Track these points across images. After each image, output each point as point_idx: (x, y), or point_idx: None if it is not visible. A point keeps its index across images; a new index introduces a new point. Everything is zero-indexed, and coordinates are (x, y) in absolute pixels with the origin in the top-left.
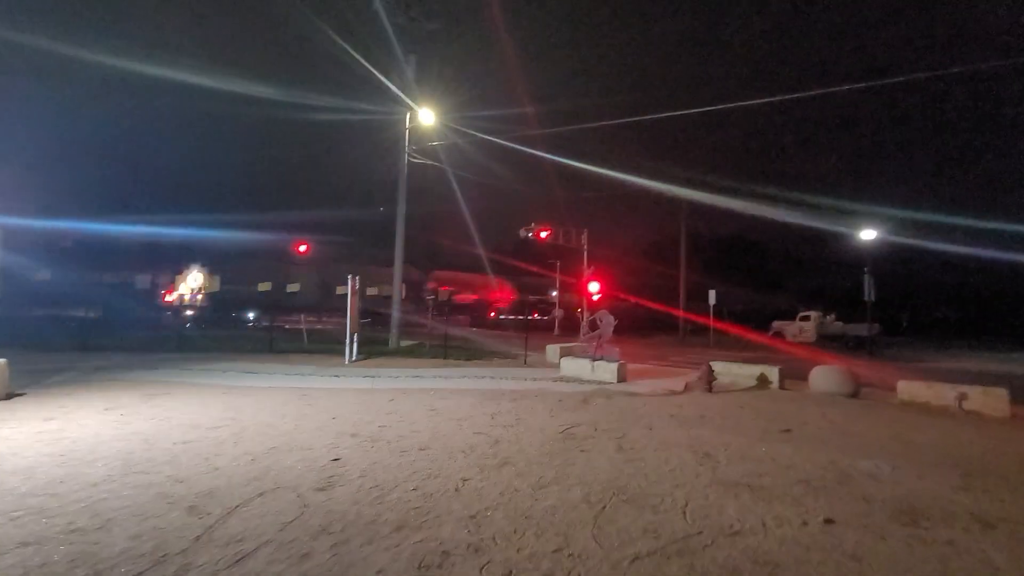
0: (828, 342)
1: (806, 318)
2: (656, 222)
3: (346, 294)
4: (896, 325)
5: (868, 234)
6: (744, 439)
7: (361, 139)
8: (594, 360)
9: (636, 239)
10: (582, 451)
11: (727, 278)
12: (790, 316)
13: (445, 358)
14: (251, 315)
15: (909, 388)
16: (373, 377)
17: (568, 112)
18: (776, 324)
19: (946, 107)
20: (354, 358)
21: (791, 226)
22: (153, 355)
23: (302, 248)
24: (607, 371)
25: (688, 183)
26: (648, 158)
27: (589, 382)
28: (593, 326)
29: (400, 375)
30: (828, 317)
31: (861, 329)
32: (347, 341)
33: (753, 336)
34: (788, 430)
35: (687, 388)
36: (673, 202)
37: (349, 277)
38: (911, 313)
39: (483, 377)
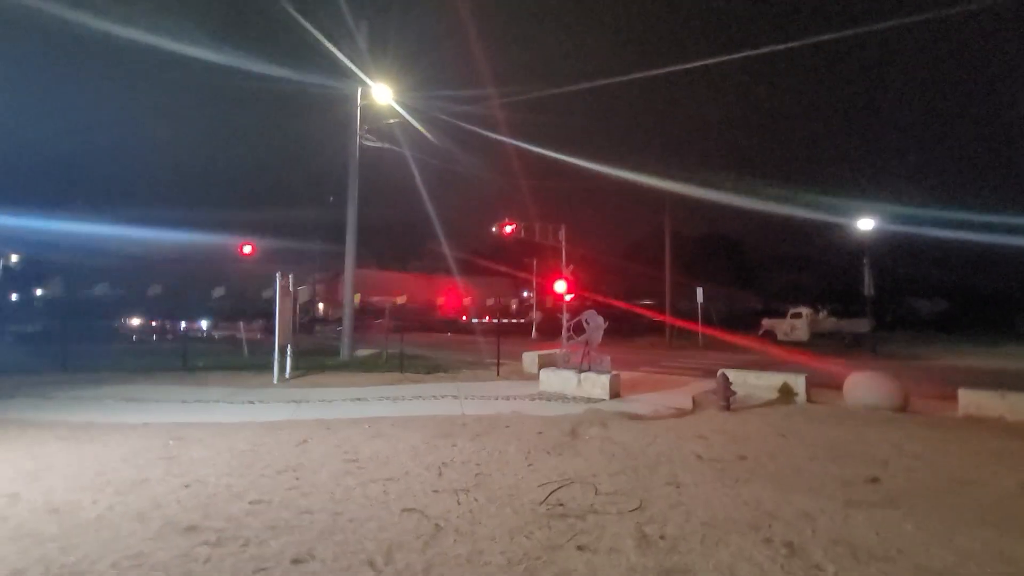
0: (822, 340)
1: (797, 315)
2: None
3: (291, 297)
4: (883, 320)
5: (866, 224)
6: (823, 502)
7: (308, 119)
8: (581, 371)
9: (617, 237)
10: (580, 548)
11: (709, 277)
12: (778, 314)
13: (402, 371)
14: (204, 324)
15: (975, 399)
16: (299, 403)
17: (543, 97)
18: (766, 322)
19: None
20: (287, 375)
21: (772, 221)
22: (30, 376)
23: (247, 249)
24: (597, 385)
25: (669, 177)
26: (628, 150)
27: (575, 400)
28: (578, 329)
29: (337, 398)
30: (820, 313)
31: (858, 325)
32: (275, 355)
33: (742, 336)
34: (875, 479)
35: (696, 405)
36: (655, 197)
37: (277, 276)
38: (893, 307)
39: (443, 397)
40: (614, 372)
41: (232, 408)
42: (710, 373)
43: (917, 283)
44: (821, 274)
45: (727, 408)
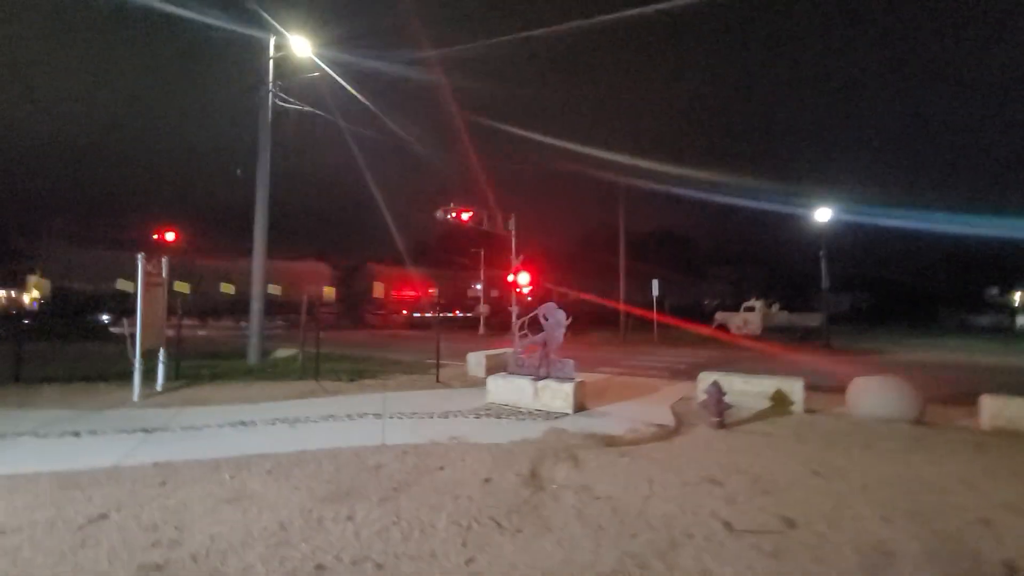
0: (774, 334)
1: (751, 309)
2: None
3: (163, 287)
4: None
5: (823, 214)
6: None
7: (213, 74)
8: (538, 379)
9: (568, 227)
10: None
11: (661, 270)
12: (730, 307)
13: (317, 378)
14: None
15: (1003, 408)
16: (150, 432)
17: (491, 66)
18: (720, 316)
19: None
20: (159, 387)
21: (722, 213)
22: None
23: (169, 236)
24: (558, 395)
25: (623, 158)
26: (580, 134)
27: (532, 415)
28: (535, 325)
29: (212, 423)
30: (772, 307)
31: (810, 319)
32: (136, 363)
33: (697, 329)
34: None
35: (679, 420)
36: (608, 187)
37: (139, 258)
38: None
39: (361, 416)
40: (579, 379)
41: (36, 446)
42: (678, 373)
43: (837, 276)
44: (770, 267)
45: (721, 425)
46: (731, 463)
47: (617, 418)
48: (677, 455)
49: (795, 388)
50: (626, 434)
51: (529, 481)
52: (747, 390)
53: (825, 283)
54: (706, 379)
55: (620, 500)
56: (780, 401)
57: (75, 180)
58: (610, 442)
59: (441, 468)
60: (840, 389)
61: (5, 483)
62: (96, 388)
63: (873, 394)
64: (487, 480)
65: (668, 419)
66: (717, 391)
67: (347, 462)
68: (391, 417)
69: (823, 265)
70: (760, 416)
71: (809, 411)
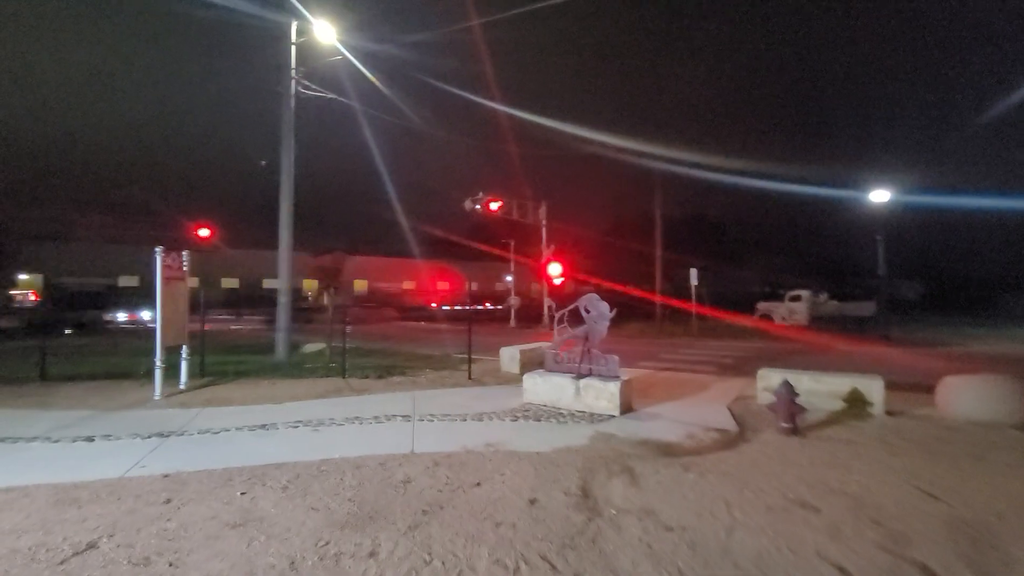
0: (824, 324)
1: (796, 298)
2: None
3: (183, 280)
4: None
5: (880, 195)
6: None
7: (236, 64)
8: (580, 377)
9: (600, 216)
10: None
11: (696, 258)
12: (773, 296)
13: (344, 375)
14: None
15: None
16: (165, 437)
17: (523, 56)
18: (762, 306)
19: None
20: (182, 386)
21: (761, 199)
22: None
23: (203, 232)
24: (603, 395)
25: (659, 145)
26: (615, 121)
27: (574, 416)
28: (575, 318)
29: (230, 425)
30: (821, 296)
31: (862, 309)
32: (157, 360)
33: (737, 318)
34: None
35: (740, 423)
36: (643, 174)
37: (156, 252)
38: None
39: (389, 418)
40: (624, 377)
41: (45, 453)
42: (725, 368)
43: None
44: (814, 255)
45: (793, 431)
46: (819, 480)
47: (670, 421)
48: (751, 469)
49: (873, 387)
50: (684, 441)
51: (581, 502)
52: (816, 389)
53: (882, 269)
54: (768, 376)
55: (697, 532)
56: (856, 402)
57: (98, 177)
58: (667, 451)
59: (478, 484)
60: (920, 387)
61: (0, 498)
62: (119, 386)
63: (972, 395)
64: (532, 501)
65: (728, 423)
66: (788, 392)
67: (372, 475)
68: (421, 419)
69: (880, 251)
70: (834, 419)
71: (890, 413)
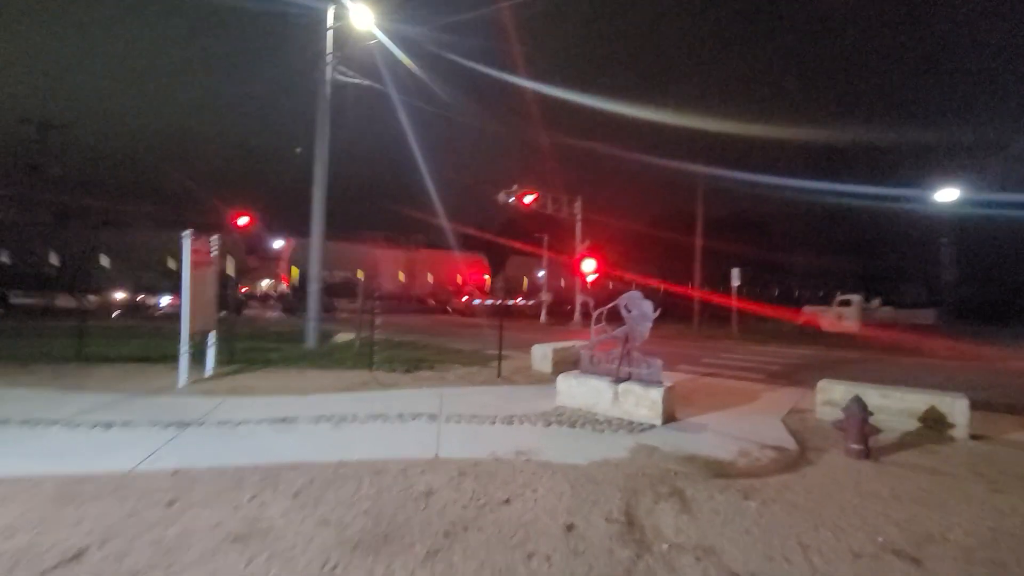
0: (875, 331)
1: (846, 303)
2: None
3: (213, 266)
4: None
5: (947, 194)
6: None
7: (273, 50)
8: (618, 380)
9: (637, 213)
10: None
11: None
12: (817, 300)
13: (371, 368)
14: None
15: None
16: (184, 427)
17: (566, 43)
18: (807, 310)
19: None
20: (208, 373)
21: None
22: None
23: (242, 221)
24: (643, 402)
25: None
26: (656, 116)
27: (611, 424)
28: (614, 317)
29: (251, 417)
30: (873, 301)
31: (921, 317)
32: (182, 347)
33: (778, 319)
34: None
35: (799, 441)
36: (682, 171)
37: (183, 237)
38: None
39: (414, 417)
40: (668, 384)
41: (60, 439)
42: (774, 376)
43: (947, 269)
44: (866, 258)
45: (865, 454)
46: (911, 520)
47: (718, 435)
48: (823, 500)
49: (956, 407)
50: (737, 459)
51: (626, 532)
52: (885, 405)
53: (950, 275)
54: (830, 389)
55: None
56: (933, 422)
57: (136, 166)
58: (719, 471)
59: (507, 501)
60: (1006, 408)
61: (2, 491)
62: (148, 371)
63: None
64: (569, 527)
65: (786, 440)
66: (861, 410)
67: (391, 483)
68: (447, 420)
69: (944, 255)
70: (909, 442)
71: (975, 437)
